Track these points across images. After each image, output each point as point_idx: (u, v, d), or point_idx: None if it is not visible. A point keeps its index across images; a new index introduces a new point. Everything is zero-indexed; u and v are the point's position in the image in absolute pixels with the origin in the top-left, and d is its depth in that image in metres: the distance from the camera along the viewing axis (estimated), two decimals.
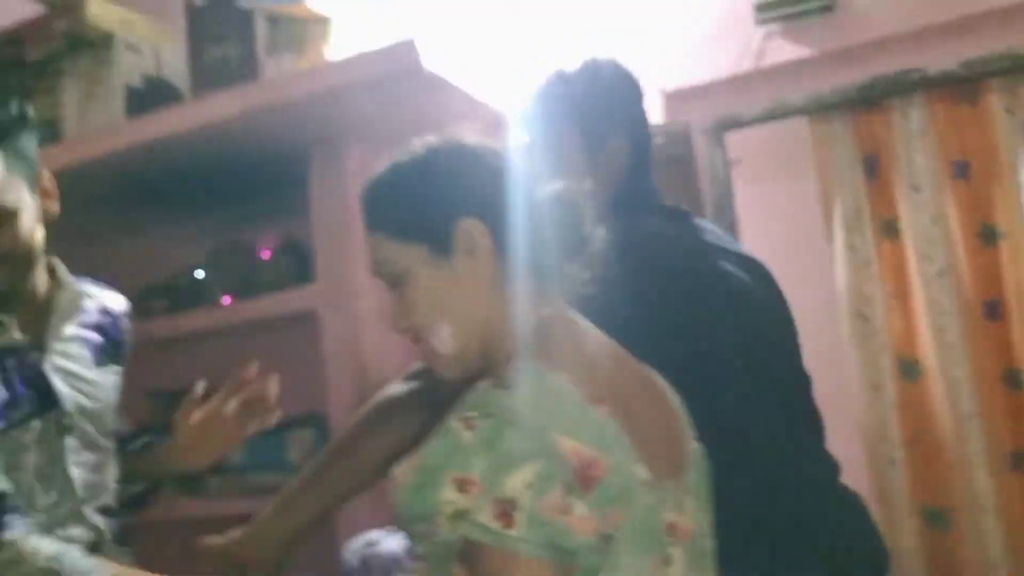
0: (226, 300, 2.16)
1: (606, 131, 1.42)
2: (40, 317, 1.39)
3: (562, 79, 1.47)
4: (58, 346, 1.39)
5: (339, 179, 1.95)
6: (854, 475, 1.40)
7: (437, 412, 1.13)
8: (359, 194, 1.09)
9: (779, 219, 2.19)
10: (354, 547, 1.64)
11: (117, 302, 1.61)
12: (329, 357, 1.98)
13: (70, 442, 1.36)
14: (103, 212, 2.28)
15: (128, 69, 2.03)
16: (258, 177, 2.10)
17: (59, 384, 1.36)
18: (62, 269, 1.47)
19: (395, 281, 1.01)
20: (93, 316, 1.51)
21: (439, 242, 0.99)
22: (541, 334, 0.95)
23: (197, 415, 1.55)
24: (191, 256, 2.29)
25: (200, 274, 2.21)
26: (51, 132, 2.09)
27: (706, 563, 0.97)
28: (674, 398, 1.03)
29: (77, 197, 2.20)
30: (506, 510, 0.80)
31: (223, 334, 2.20)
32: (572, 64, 1.47)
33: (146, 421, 2.27)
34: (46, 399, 1.34)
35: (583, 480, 0.83)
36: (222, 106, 1.84)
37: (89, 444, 1.41)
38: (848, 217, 2.20)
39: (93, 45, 2.03)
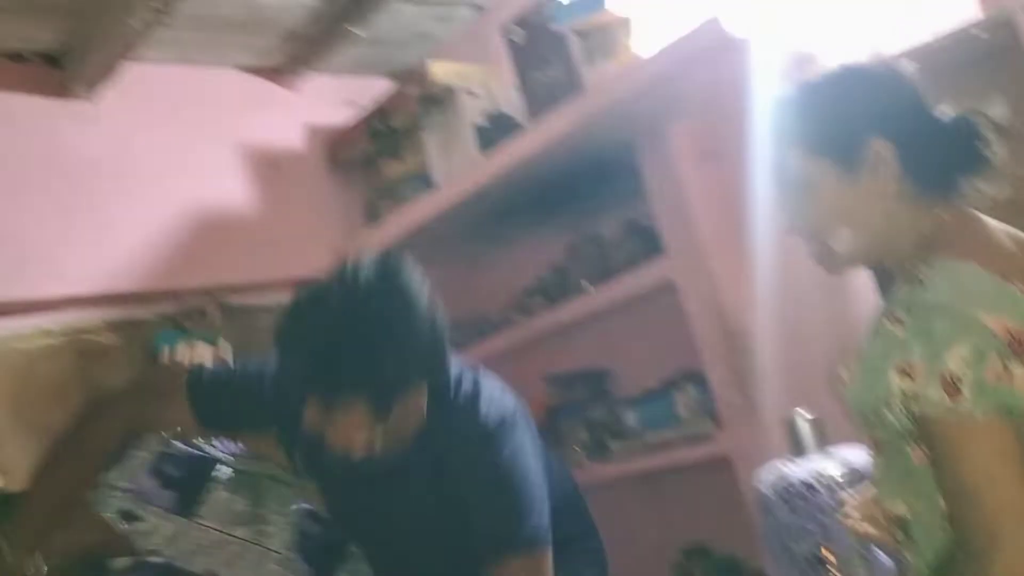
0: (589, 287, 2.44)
1: None
2: None
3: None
4: None
5: (668, 158, 2.12)
6: None
7: None
8: (776, 109, 1.16)
9: None
10: (765, 479, 1.78)
11: None
12: (693, 318, 2.16)
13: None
14: (476, 236, 2.68)
15: (472, 112, 2.38)
16: (596, 173, 2.34)
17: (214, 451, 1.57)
18: None
19: (799, 188, 1.12)
20: None
21: (848, 158, 1.08)
22: (943, 233, 1.05)
23: None
24: (553, 255, 2.61)
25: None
26: (424, 182, 2.53)
27: None
28: None
29: (453, 232, 2.64)
30: (952, 384, 0.90)
31: (595, 317, 2.48)
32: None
33: (550, 403, 2.64)
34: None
35: (1017, 348, 0.91)
36: (557, 122, 2.11)
37: None
38: None
39: (441, 101, 2.42)
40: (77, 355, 2.35)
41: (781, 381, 2.03)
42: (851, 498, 1.29)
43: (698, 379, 2.22)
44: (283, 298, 2.64)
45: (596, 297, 2.39)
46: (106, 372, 2.38)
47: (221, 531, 1.56)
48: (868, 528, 1.22)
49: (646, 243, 2.32)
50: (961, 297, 0.95)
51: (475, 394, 1.42)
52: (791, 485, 1.73)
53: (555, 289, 2.54)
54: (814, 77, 1.14)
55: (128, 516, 1.52)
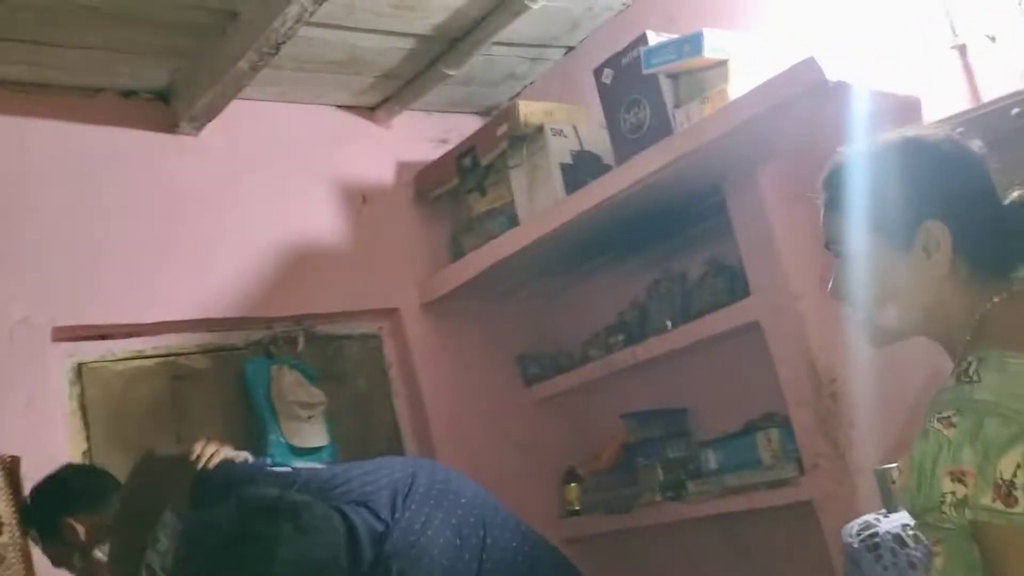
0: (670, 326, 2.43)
1: None
2: None
3: None
4: None
5: (756, 200, 2.12)
6: None
7: None
8: (828, 170, 1.14)
9: None
10: (852, 531, 1.75)
11: None
12: (778, 360, 2.14)
13: None
14: (558, 272, 2.71)
15: (558, 151, 2.42)
16: (681, 212, 2.36)
17: None
18: None
19: (849, 256, 1.09)
20: None
21: (900, 237, 1.05)
22: (996, 321, 1.01)
23: None
24: (634, 292, 2.62)
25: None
26: (508, 219, 2.57)
27: None
28: None
29: (535, 267, 2.68)
30: (1006, 491, 0.87)
31: (675, 355, 2.48)
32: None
33: (628, 440, 2.63)
34: None
35: None
36: (644, 163, 2.13)
37: None
38: None
39: (528, 139, 2.47)
40: (171, 378, 2.45)
41: (873, 429, 1.99)
42: None
43: (783, 423, 2.20)
44: (368, 328, 2.75)
45: (678, 336, 2.39)
46: (197, 395, 2.46)
47: None
48: None
49: (730, 283, 2.31)
50: (1013, 396, 0.91)
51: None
52: (880, 537, 1.69)
53: (636, 326, 2.54)
54: (878, 145, 1.10)
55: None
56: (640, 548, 2.78)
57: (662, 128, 2.11)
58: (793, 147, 2.05)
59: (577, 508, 2.68)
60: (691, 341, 2.36)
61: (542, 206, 2.44)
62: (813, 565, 2.19)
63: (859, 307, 1.10)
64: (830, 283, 1.13)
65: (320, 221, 2.65)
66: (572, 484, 2.71)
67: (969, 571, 0.97)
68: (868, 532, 1.72)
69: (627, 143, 2.20)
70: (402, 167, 2.81)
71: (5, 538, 1.99)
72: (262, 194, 2.56)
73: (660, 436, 2.58)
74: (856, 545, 1.74)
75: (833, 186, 1.12)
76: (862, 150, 1.12)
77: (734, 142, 2.00)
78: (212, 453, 1.63)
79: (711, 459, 2.34)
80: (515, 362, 2.84)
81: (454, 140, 2.77)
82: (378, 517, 1.45)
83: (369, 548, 1.43)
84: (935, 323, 1.06)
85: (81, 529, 1.84)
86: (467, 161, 2.64)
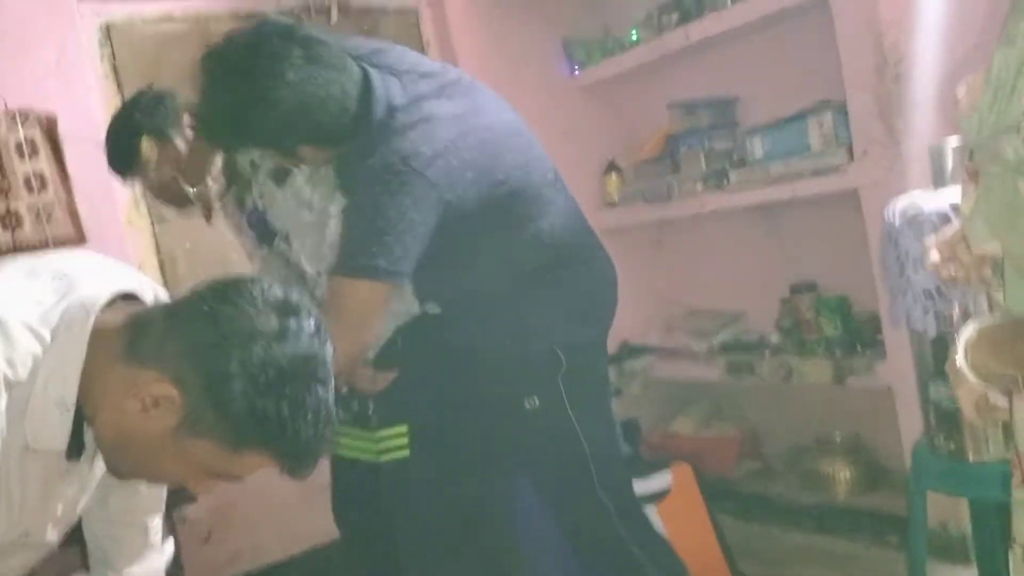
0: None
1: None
2: None
3: None
4: None
5: None
6: None
7: None
8: None
9: None
10: (895, 208, 1.69)
11: None
12: (842, 39, 1.97)
13: None
14: None
15: None
16: None
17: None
18: None
19: None
20: None
21: None
22: None
23: None
24: None
25: None
26: None
27: None
28: None
29: None
30: None
31: (733, 37, 2.30)
32: None
33: (672, 130, 2.54)
34: None
35: None
36: None
37: None
38: None
39: None
40: (203, 45, 2.35)
41: (936, 113, 1.86)
42: (937, 237, 1.17)
43: (838, 108, 2.07)
44: (405, 2, 2.59)
45: (738, 12, 2.20)
46: None
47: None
48: (950, 268, 1.12)
49: None
50: None
51: (401, 128, 1.37)
52: (922, 214, 1.63)
53: (692, 4, 2.34)
54: None
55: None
56: (679, 239, 2.78)
57: None
58: None
59: (615, 200, 2.65)
60: (752, 18, 2.17)
61: None
62: (852, 257, 2.16)
63: None
64: None
65: None
66: (611, 175, 2.67)
67: (1005, 212, 0.86)
68: (911, 209, 1.66)
69: None
70: None
71: (50, 195, 2.04)
72: None
73: (707, 126, 2.47)
74: (897, 222, 1.68)
75: None
76: None
77: None
78: None
79: (757, 147, 2.24)
80: (560, 45, 2.68)
81: None
82: (404, 90, 1.39)
83: (382, 106, 1.37)
84: None
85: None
86: None
